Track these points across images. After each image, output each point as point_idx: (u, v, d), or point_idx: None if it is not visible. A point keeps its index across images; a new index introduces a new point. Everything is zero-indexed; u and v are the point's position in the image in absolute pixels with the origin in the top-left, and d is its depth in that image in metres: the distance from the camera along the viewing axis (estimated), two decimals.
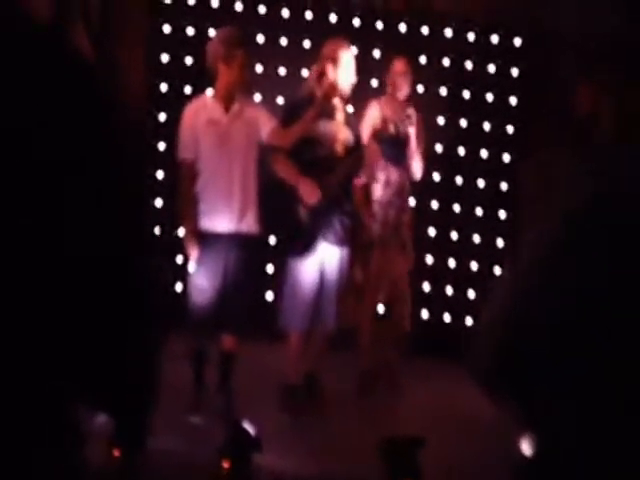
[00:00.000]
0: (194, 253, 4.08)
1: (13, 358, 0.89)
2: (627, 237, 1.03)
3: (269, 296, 5.50)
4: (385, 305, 4.90)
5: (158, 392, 1.00)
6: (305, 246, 4.22)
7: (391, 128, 4.66)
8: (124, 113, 0.98)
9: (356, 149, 4.35)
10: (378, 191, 4.74)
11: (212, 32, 5.26)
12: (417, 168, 4.72)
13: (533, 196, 5.67)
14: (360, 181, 4.59)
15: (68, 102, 0.89)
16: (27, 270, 0.86)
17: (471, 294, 5.74)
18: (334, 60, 4.25)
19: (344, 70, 4.25)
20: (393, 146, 4.68)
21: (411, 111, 4.64)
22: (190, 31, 5.56)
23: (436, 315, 5.72)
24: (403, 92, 4.71)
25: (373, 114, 4.72)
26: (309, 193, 4.20)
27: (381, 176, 4.73)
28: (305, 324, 4.27)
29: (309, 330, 4.33)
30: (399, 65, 4.71)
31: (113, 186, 0.91)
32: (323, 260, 4.27)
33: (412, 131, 4.61)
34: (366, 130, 4.67)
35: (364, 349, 4.77)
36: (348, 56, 4.29)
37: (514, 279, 1.12)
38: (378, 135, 4.67)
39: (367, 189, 4.69)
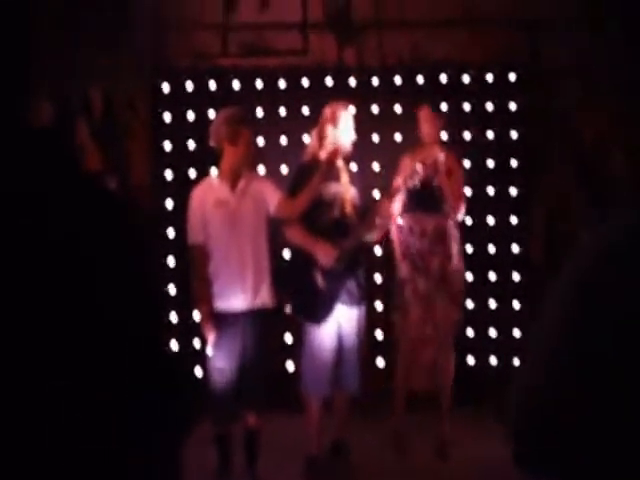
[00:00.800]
0: (212, 336, 4.07)
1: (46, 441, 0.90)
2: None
3: (289, 366, 5.44)
4: (430, 359, 4.78)
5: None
6: (323, 311, 4.19)
7: (419, 177, 4.60)
8: (137, 212, 1.04)
9: (366, 209, 4.35)
10: (415, 244, 4.67)
11: (212, 114, 5.35)
12: (455, 210, 4.63)
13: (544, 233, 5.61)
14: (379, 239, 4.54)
15: (103, 227, 0.98)
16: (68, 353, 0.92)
17: (517, 333, 5.64)
18: (333, 121, 4.30)
19: (344, 130, 4.30)
20: (424, 194, 4.60)
21: (441, 155, 4.61)
22: (190, 116, 5.66)
23: (481, 360, 5.63)
24: (432, 138, 4.68)
25: (405, 167, 4.71)
26: (325, 255, 4.18)
27: (415, 227, 4.68)
28: (326, 389, 4.24)
29: (332, 396, 4.28)
30: (423, 112, 4.70)
31: (136, 277, 1.00)
32: (340, 322, 4.23)
33: (442, 174, 4.57)
34: (399, 184, 4.63)
35: (398, 407, 4.66)
36: (347, 116, 4.34)
37: (539, 342, 1.10)
38: (409, 186, 4.63)
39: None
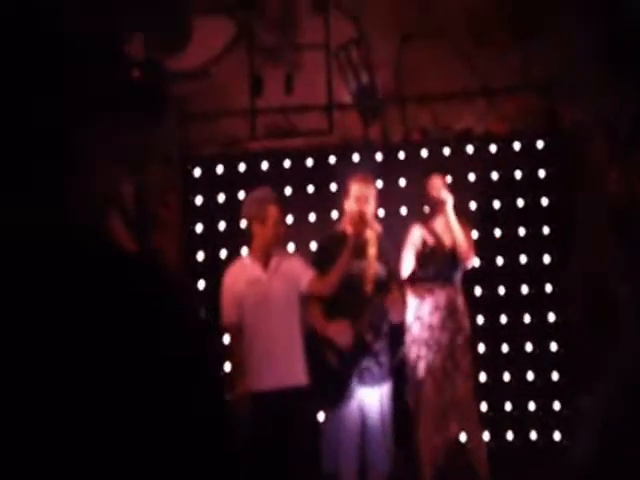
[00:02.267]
0: (247, 416, 4.00)
1: None
2: None
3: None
4: (456, 434, 4.65)
5: None
6: (338, 394, 4.14)
7: (431, 245, 4.61)
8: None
9: (387, 286, 4.29)
10: (426, 317, 4.63)
11: (242, 195, 5.42)
12: (467, 256, 4.58)
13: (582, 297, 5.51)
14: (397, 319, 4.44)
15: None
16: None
17: (531, 406, 5.47)
18: (347, 193, 4.34)
19: (359, 201, 4.29)
20: (437, 265, 4.60)
21: (453, 217, 4.59)
22: (221, 198, 5.73)
23: (522, 435, 5.44)
24: (447, 204, 4.64)
25: (415, 237, 4.70)
26: (341, 337, 4.15)
27: (428, 300, 4.64)
28: (353, 471, 4.16)
29: (363, 478, 4.17)
30: (435, 181, 4.71)
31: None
32: (363, 404, 4.16)
33: (457, 236, 4.54)
34: (409, 255, 4.63)
35: None
36: (361, 187, 4.35)
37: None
38: (421, 257, 4.61)
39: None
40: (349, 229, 4.34)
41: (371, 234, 4.33)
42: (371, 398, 4.23)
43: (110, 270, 0.90)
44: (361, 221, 4.29)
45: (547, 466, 4.79)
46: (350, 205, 4.38)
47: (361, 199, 4.34)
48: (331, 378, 4.21)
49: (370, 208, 4.37)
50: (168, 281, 0.94)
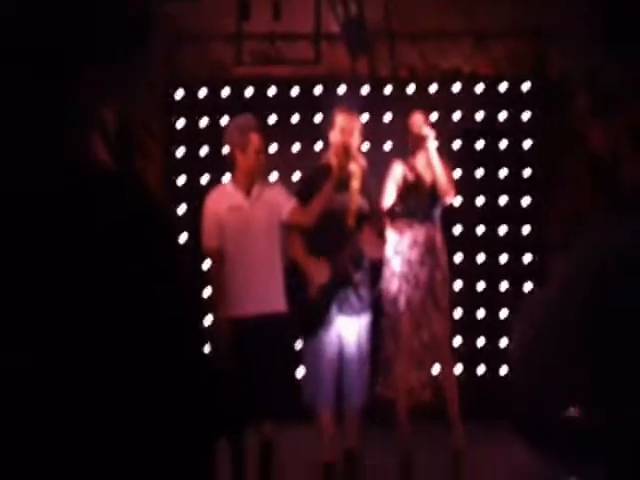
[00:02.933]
0: (226, 340, 4.05)
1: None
2: None
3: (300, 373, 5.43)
4: (430, 370, 4.75)
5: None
6: (317, 324, 4.20)
7: (411, 181, 4.62)
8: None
9: (369, 219, 4.32)
10: (405, 252, 4.68)
11: (225, 121, 5.36)
12: (447, 193, 4.61)
13: (559, 241, 5.60)
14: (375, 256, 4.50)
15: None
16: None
17: (503, 342, 5.62)
18: (334, 126, 4.32)
19: (344, 133, 4.28)
20: (417, 201, 4.62)
21: (434, 153, 4.60)
22: (203, 122, 5.67)
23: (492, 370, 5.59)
24: (429, 139, 4.62)
25: (396, 173, 4.71)
26: (317, 274, 4.21)
27: (407, 236, 4.68)
28: (331, 400, 4.23)
29: (340, 406, 4.26)
30: (417, 117, 4.70)
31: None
32: (341, 334, 4.24)
33: (437, 171, 4.56)
34: (391, 190, 4.65)
35: (401, 424, 4.62)
36: (347, 120, 4.33)
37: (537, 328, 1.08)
38: (402, 192, 4.63)
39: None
40: (333, 161, 4.32)
41: (355, 168, 4.32)
42: (349, 329, 4.30)
43: (93, 186, 0.96)
44: (346, 153, 4.28)
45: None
46: (335, 136, 4.36)
47: (346, 131, 4.32)
48: (310, 308, 4.27)
49: (355, 141, 4.35)
50: (145, 196, 0.99)
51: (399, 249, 4.70)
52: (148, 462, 0.90)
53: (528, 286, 5.69)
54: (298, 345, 4.77)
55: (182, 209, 5.61)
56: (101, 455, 0.88)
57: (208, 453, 0.96)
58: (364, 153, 4.58)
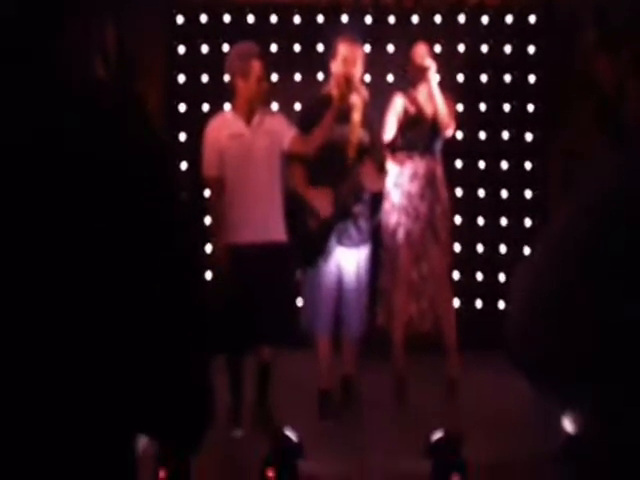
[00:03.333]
0: (226, 268, 4.10)
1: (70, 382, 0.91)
2: None
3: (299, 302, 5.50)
4: (428, 301, 4.81)
5: (213, 414, 1.00)
6: (316, 255, 4.25)
7: (412, 113, 4.60)
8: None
9: (370, 151, 4.30)
10: (405, 184, 4.69)
11: (226, 48, 5.29)
12: (447, 125, 4.59)
13: (561, 177, 5.59)
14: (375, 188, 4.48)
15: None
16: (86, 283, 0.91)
17: (501, 278, 5.69)
18: (335, 55, 4.27)
19: (346, 63, 4.23)
20: (418, 133, 4.60)
21: (436, 85, 4.55)
22: (204, 49, 5.60)
23: (490, 304, 5.67)
24: (430, 70, 4.56)
25: (397, 105, 4.67)
26: (322, 206, 4.23)
27: (407, 169, 4.67)
28: (329, 328, 4.30)
29: (338, 335, 4.33)
30: (419, 48, 4.64)
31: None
32: (340, 265, 4.28)
33: (439, 103, 4.52)
34: (391, 123, 4.62)
35: (397, 353, 4.70)
36: (349, 49, 4.27)
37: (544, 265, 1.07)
38: (402, 125, 4.60)
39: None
40: (335, 92, 4.28)
41: (357, 99, 4.29)
42: (348, 260, 4.34)
43: (91, 109, 0.95)
44: (348, 84, 4.23)
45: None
46: (337, 66, 4.30)
47: (348, 61, 4.27)
48: (309, 238, 4.30)
49: (357, 71, 4.30)
50: (146, 122, 0.98)
51: (399, 181, 4.71)
52: (141, 375, 0.93)
53: (528, 222, 5.72)
54: (298, 274, 4.82)
55: (183, 136, 5.58)
56: (95, 371, 0.91)
57: (202, 368, 0.98)
58: (366, 84, 4.53)
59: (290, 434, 3.31)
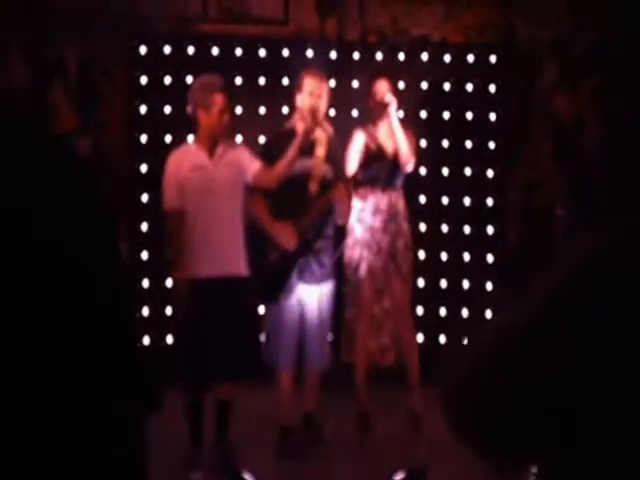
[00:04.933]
0: (186, 302, 4.09)
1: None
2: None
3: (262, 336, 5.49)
4: (391, 335, 4.86)
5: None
6: (277, 290, 4.26)
7: (373, 149, 4.68)
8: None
9: (332, 186, 4.33)
10: (368, 219, 4.75)
11: (189, 79, 5.33)
12: (407, 159, 4.66)
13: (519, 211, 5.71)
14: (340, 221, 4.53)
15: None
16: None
17: (464, 313, 5.76)
18: (299, 88, 4.32)
19: (310, 96, 4.28)
20: (379, 168, 4.67)
21: (397, 121, 4.62)
22: (167, 80, 5.62)
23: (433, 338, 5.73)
24: (391, 106, 4.63)
25: (358, 141, 4.75)
26: (286, 239, 4.24)
27: (370, 203, 4.74)
28: (291, 364, 4.31)
29: (300, 370, 4.35)
30: (380, 83, 4.71)
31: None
32: (302, 300, 4.30)
33: (399, 139, 4.59)
34: (353, 158, 4.69)
35: (360, 387, 4.73)
36: (315, 83, 4.32)
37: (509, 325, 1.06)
38: (364, 160, 4.67)
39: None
40: (299, 126, 4.33)
41: (321, 134, 4.35)
42: (310, 296, 4.35)
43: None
44: (313, 117, 4.29)
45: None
46: (302, 100, 4.36)
47: (314, 94, 4.33)
48: (271, 273, 4.30)
49: (322, 105, 4.36)
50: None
51: (361, 216, 4.77)
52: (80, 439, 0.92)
53: (490, 258, 5.81)
54: (260, 308, 4.83)
55: (144, 168, 5.57)
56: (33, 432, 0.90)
57: (137, 428, 0.97)
58: (330, 119, 4.60)
59: (248, 477, 3.28)
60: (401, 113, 4.84)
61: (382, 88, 4.70)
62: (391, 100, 4.63)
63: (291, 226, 4.29)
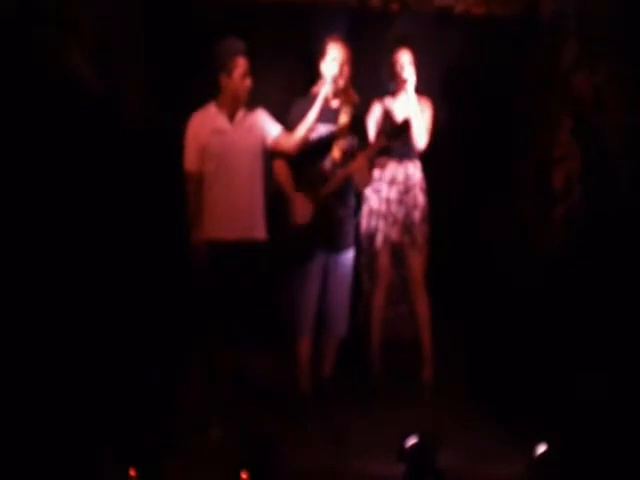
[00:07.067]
0: (204, 262, 4.18)
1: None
2: None
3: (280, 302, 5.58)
4: (408, 307, 4.95)
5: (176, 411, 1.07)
6: (299, 258, 4.35)
7: (392, 122, 4.74)
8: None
9: (355, 154, 4.40)
10: (384, 190, 4.82)
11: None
12: (419, 142, 4.71)
13: None
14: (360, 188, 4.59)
15: None
16: None
17: None
18: (323, 55, 4.37)
19: (335, 63, 4.32)
20: (396, 140, 4.74)
21: (413, 99, 4.68)
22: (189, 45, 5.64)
23: None
24: (409, 83, 4.70)
25: (376, 113, 4.81)
26: (300, 212, 4.29)
27: (386, 174, 4.81)
28: (310, 330, 4.39)
29: (319, 337, 4.45)
30: (401, 56, 4.75)
31: None
32: (324, 267, 4.37)
33: (414, 116, 4.64)
34: (372, 130, 4.75)
35: (374, 354, 4.83)
36: (340, 49, 4.37)
37: None
38: (381, 132, 4.73)
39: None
40: (323, 91, 4.39)
41: (345, 100, 4.41)
42: (332, 263, 4.44)
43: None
44: (336, 85, 4.35)
45: None
46: (325, 66, 4.41)
47: (337, 61, 4.39)
48: (293, 239, 4.38)
49: (346, 72, 4.42)
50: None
51: (377, 187, 4.84)
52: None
53: None
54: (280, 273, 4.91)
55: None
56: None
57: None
58: (355, 86, 4.64)
59: (265, 436, 3.39)
60: (420, 84, 4.88)
61: (402, 59, 4.74)
62: (409, 76, 4.68)
63: (308, 199, 4.35)
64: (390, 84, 4.85)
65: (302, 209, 4.34)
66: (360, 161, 4.34)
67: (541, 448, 3.41)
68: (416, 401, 4.72)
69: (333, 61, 4.39)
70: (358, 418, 4.52)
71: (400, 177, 4.83)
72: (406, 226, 4.83)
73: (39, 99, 0.83)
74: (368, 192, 4.84)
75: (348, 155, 4.41)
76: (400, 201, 4.83)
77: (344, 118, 4.42)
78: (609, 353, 3.72)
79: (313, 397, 4.50)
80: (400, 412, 4.49)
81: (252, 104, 4.46)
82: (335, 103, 4.43)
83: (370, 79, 5.67)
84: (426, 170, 4.97)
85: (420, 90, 4.82)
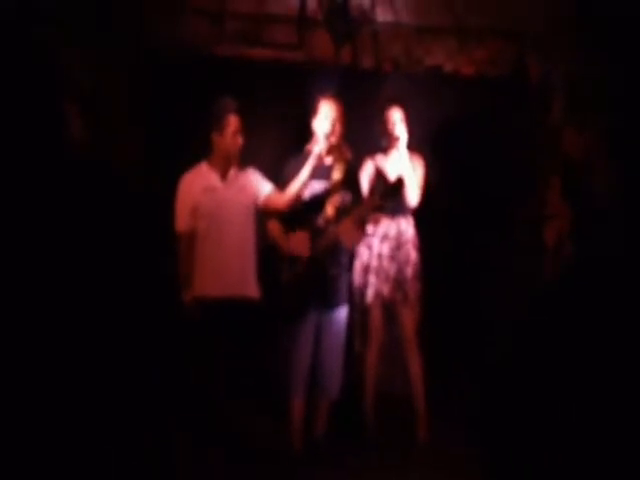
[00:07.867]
0: (194, 321, 4.18)
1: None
2: None
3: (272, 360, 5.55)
4: (400, 365, 4.94)
5: None
6: (293, 314, 4.36)
7: (385, 180, 4.79)
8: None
9: (349, 211, 4.44)
10: (376, 245, 4.85)
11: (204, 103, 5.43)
12: (412, 200, 4.76)
13: None
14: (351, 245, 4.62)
15: None
16: None
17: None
18: (316, 113, 4.44)
19: (328, 121, 4.39)
20: (391, 200, 4.78)
21: (405, 156, 4.74)
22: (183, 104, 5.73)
23: None
24: (400, 141, 4.78)
25: (368, 170, 4.87)
26: (299, 246, 4.29)
27: (379, 230, 4.85)
28: (303, 388, 4.40)
29: (311, 396, 4.43)
30: (392, 114, 4.83)
31: None
32: (317, 325, 4.37)
33: (406, 174, 4.69)
34: (365, 188, 4.80)
35: (368, 410, 4.81)
36: (332, 107, 4.44)
37: None
38: (374, 191, 4.78)
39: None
40: (316, 149, 4.45)
41: (338, 158, 4.47)
42: (325, 321, 4.44)
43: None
44: (329, 142, 4.41)
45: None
46: (318, 124, 4.48)
47: (331, 119, 4.46)
48: (286, 296, 4.38)
49: (338, 129, 4.49)
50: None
51: (370, 242, 4.88)
52: None
53: None
54: (273, 331, 4.90)
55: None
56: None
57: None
58: (350, 144, 4.70)
59: None
60: (411, 141, 4.94)
61: (394, 117, 4.82)
62: (401, 133, 4.75)
63: (305, 235, 4.34)
64: (382, 141, 4.92)
65: (300, 243, 4.33)
66: (347, 223, 4.38)
67: None
68: (410, 464, 4.68)
69: (325, 119, 4.46)
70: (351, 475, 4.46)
71: (392, 233, 4.87)
72: (398, 282, 4.85)
73: (35, 163, 0.85)
74: (360, 247, 4.87)
75: (341, 211, 4.46)
76: (392, 257, 4.86)
77: (337, 175, 4.48)
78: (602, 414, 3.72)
79: (305, 457, 4.46)
80: (394, 473, 4.43)
81: (246, 162, 4.52)
82: (328, 160, 4.49)
83: (363, 136, 5.78)
84: (418, 226, 5.01)
85: (412, 147, 4.90)
